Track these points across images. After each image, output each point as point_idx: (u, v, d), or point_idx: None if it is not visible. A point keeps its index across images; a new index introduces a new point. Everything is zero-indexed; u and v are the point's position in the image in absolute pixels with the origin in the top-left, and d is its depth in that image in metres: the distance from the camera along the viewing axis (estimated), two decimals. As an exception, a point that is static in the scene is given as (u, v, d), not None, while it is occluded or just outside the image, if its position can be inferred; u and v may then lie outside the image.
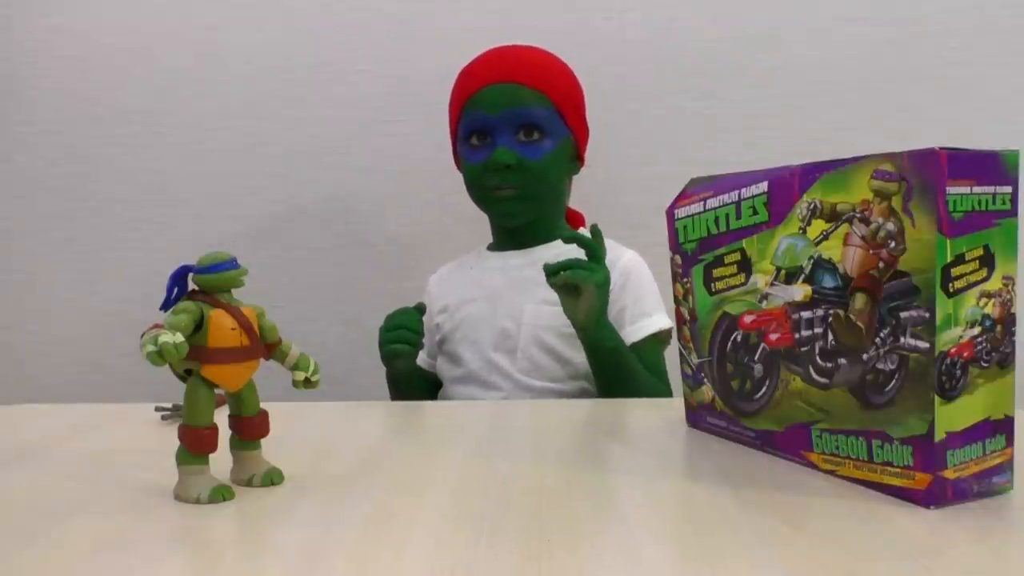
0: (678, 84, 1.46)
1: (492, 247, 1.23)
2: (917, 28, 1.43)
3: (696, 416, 0.74)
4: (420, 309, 1.10)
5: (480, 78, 1.13)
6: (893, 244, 0.52)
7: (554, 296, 0.99)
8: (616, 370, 1.02)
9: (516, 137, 1.11)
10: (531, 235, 1.16)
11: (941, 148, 0.50)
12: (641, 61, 1.45)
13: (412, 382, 1.17)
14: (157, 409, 0.83)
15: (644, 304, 1.11)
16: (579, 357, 1.06)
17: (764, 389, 0.64)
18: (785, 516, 0.51)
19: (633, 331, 1.09)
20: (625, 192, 1.45)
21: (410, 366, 1.13)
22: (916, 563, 0.44)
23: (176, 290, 0.58)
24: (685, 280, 0.73)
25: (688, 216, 0.71)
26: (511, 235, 1.18)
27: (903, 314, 0.52)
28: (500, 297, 1.14)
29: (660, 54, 1.45)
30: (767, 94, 1.45)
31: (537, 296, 1.09)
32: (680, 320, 0.75)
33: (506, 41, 1.18)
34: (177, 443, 0.56)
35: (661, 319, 1.11)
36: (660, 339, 1.11)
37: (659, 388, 1.06)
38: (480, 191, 1.16)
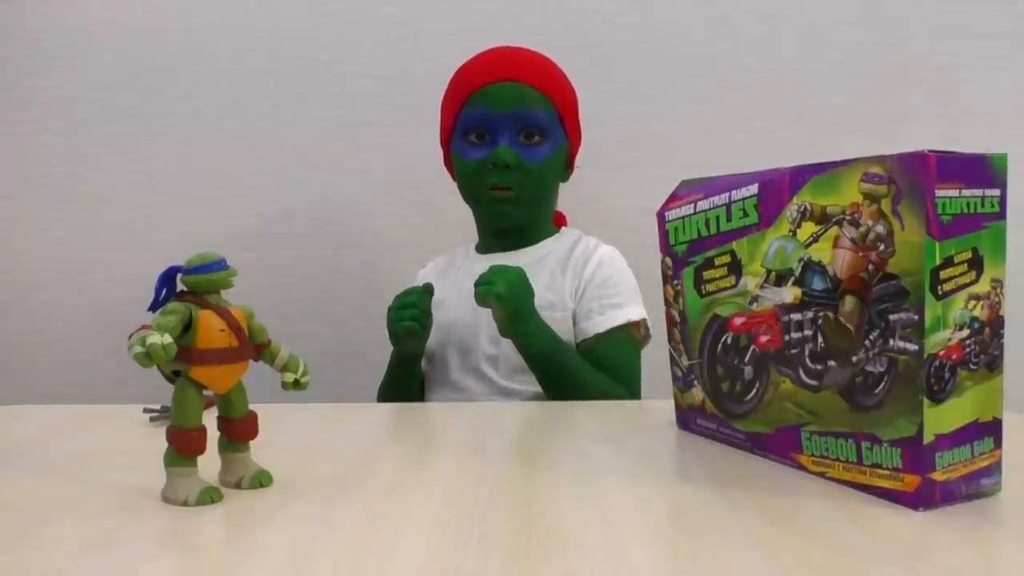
0: (669, 86, 1.46)
1: (479, 248, 1.22)
2: (907, 31, 1.44)
3: (686, 418, 0.74)
4: (428, 290, 1.07)
5: (487, 74, 1.11)
6: (882, 247, 0.52)
7: (539, 301, 1.02)
8: (555, 375, 1.02)
9: (517, 138, 1.11)
10: (518, 237, 1.16)
11: (930, 151, 0.50)
12: (632, 63, 1.46)
13: (418, 367, 1.14)
14: (145, 411, 0.83)
15: (616, 296, 1.10)
16: None
17: (754, 391, 0.65)
18: (774, 518, 0.51)
19: (602, 321, 1.08)
20: (616, 194, 1.45)
21: (420, 348, 1.10)
22: (904, 565, 0.44)
23: (165, 291, 0.57)
24: (676, 282, 0.73)
25: (679, 218, 0.71)
26: (498, 236, 1.18)
27: (892, 316, 0.52)
28: None
29: (652, 57, 1.46)
30: (757, 97, 1.45)
31: None
32: (671, 322, 0.75)
33: (497, 43, 1.18)
34: (165, 445, 0.56)
35: (633, 310, 1.10)
36: (632, 331, 1.10)
37: (610, 389, 1.02)
38: (475, 189, 1.14)
